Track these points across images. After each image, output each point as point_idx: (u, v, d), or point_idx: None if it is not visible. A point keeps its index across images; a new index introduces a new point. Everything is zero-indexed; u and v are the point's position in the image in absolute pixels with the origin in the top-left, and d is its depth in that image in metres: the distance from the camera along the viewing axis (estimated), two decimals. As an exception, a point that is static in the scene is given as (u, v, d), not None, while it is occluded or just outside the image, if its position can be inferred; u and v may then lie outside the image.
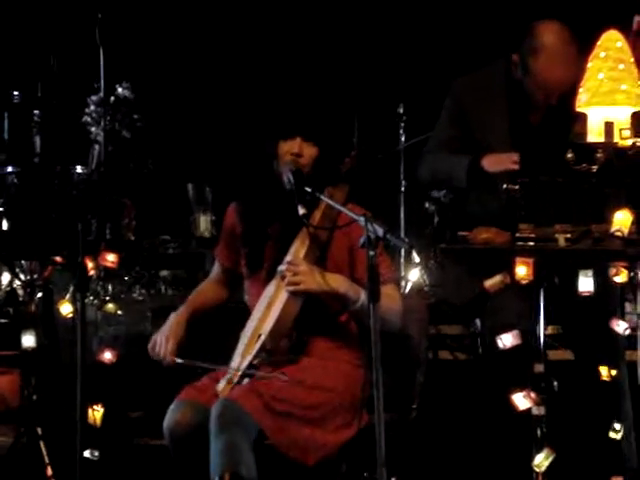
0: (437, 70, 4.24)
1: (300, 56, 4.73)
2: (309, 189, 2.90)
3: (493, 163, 3.30)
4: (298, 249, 2.97)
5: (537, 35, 3.35)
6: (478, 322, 3.52)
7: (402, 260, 4.32)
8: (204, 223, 4.56)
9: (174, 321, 3.03)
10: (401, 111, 4.36)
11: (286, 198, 3.01)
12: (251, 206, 3.10)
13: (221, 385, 2.89)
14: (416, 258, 4.26)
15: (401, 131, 4.40)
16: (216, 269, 3.21)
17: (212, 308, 3.16)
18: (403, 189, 4.54)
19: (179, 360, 2.94)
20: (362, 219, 2.69)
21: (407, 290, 4.24)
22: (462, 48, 4.54)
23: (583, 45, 3.21)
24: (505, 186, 3.06)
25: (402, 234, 4.36)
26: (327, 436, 2.87)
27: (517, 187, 2.97)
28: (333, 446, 2.87)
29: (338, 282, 2.92)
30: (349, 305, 2.92)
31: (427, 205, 4.46)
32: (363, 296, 2.83)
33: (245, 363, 2.90)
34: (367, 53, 4.65)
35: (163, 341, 2.97)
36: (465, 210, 3.54)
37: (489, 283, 3.03)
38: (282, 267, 2.93)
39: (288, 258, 2.95)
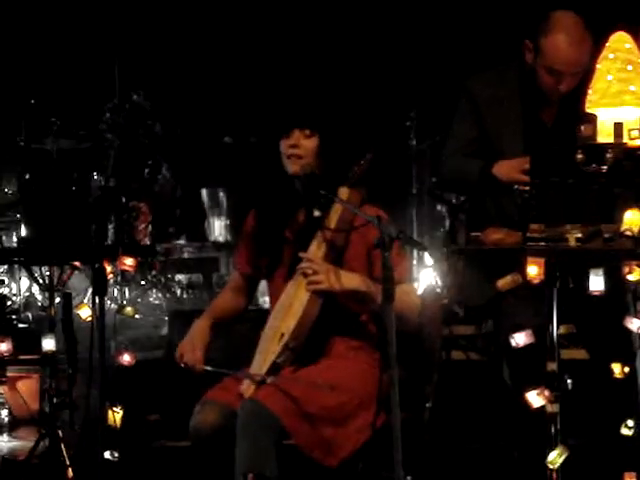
0: (448, 75, 4.26)
1: (299, 54, 4.73)
2: (323, 192, 2.94)
3: (504, 171, 3.32)
4: (316, 250, 3.00)
5: (551, 17, 3.38)
6: (490, 322, 3.55)
7: (415, 262, 4.34)
8: (218, 227, 4.60)
9: (198, 329, 3.06)
10: (412, 115, 4.40)
11: (300, 199, 3.04)
12: (267, 208, 3.13)
13: (245, 385, 2.92)
14: (429, 260, 4.29)
15: (412, 135, 4.44)
16: (235, 277, 3.24)
17: (232, 317, 3.20)
18: (415, 192, 4.57)
19: (208, 368, 2.98)
20: (375, 220, 2.73)
21: (420, 291, 4.26)
22: (472, 52, 4.57)
23: (593, 46, 3.25)
24: (516, 187, 3.09)
25: (414, 236, 4.39)
26: (349, 436, 2.89)
27: (528, 188, 2.99)
28: (355, 446, 2.89)
29: (357, 281, 2.95)
30: (369, 304, 2.95)
31: (439, 207, 4.48)
32: (378, 291, 2.85)
33: (268, 363, 2.93)
34: (379, 58, 4.68)
35: (190, 349, 3.00)
36: (477, 211, 3.57)
37: (501, 283, 3.05)
38: (303, 265, 2.96)
39: (306, 259, 2.98)
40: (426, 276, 4.29)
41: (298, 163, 3.00)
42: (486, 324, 3.60)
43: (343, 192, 2.97)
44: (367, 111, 4.66)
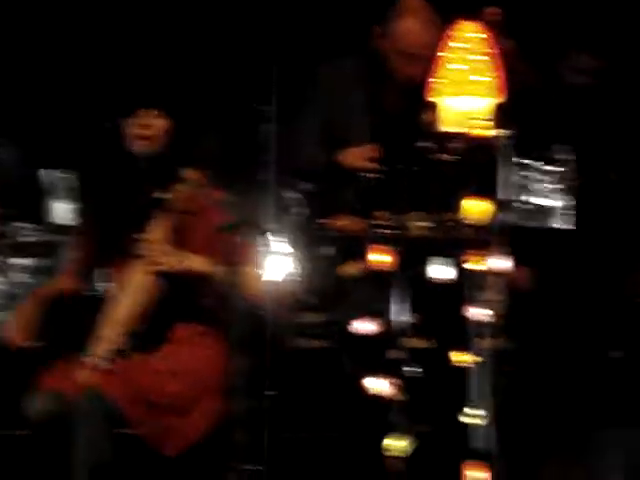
0: (303, 60, 4.27)
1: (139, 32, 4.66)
2: (166, 172, 2.91)
3: (350, 159, 3.36)
4: (156, 232, 2.97)
5: (400, 2, 3.46)
6: (337, 310, 3.57)
7: (263, 249, 4.32)
8: (61, 210, 4.48)
9: (22, 307, 3.03)
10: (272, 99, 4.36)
11: (140, 180, 2.99)
12: (104, 190, 3.07)
13: (84, 373, 2.86)
14: (277, 247, 4.28)
15: (264, 120, 4.40)
16: (69, 260, 3.18)
17: (65, 298, 3.13)
18: (265, 178, 4.53)
19: (29, 344, 2.90)
20: (224, 204, 2.72)
21: (268, 279, 4.25)
22: (327, 38, 4.59)
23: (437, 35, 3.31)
24: (362, 175, 3.11)
25: (263, 223, 4.38)
26: (191, 425, 2.87)
27: (373, 176, 3.02)
28: (195, 435, 2.87)
29: (198, 262, 2.95)
30: (211, 285, 2.94)
31: (290, 195, 4.47)
32: (223, 274, 2.86)
33: (106, 348, 2.88)
34: (234, 41, 4.66)
35: (13, 326, 2.95)
36: (326, 199, 3.58)
37: (344, 270, 3.08)
38: (141, 249, 2.92)
39: (146, 240, 2.94)
40: (274, 263, 4.28)
41: (146, 144, 2.96)
42: (331, 311, 3.62)
43: (187, 173, 2.95)
44: (219, 93, 4.63)
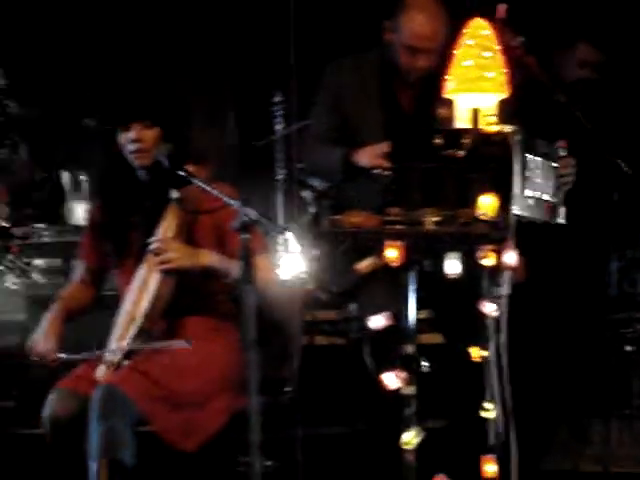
0: (314, 58, 4.28)
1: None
2: (182, 172, 2.91)
3: (364, 157, 3.37)
4: (165, 230, 2.98)
5: None
6: (352, 306, 3.58)
7: (278, 247, 4.33)
8: (80, 211, 4.52)
9: (50, 319, 3.02)
10: (278, 99, 4.38)
11: (143, 184, 3.01)
12: (111, 197, 3.09)
13: (100, 370, 2.88)
14: (293, 245, 4.28)
15: (278, 119, 4.42)
16: (80, 270, 3.19)
17: (82, 310, 3.16)
18: (280, 177, 4.56)
19: (61, 355, 2.94)
20: (236, 202, 2.72)
21: (283, 277, 4.27)
22: (338, 36, 4.60)
23: (449, 27, 3.34)
24: (376, 172, 3.12)
25: (279, 222, 4.39)
26: (207, 420, 2.88)
27: (387, 172, 3.03)
28: (211, 430, 2.88)
29: (209, 257, 2.95)
30: (223, 280, 2.95)
31: (304, 193, 4.49)
32: (235, 270, 2.85)
33: (123, 347, 2.90)
34: (241, 39, 4.68)
35: (42, 340, 2.95)
36: (340, 197, 3.60)
37: (360, 266, 3.09)
38: (152, 247, 2.93)
39: (157, 238, 2.95)
40: (289, 261, 4.29)
41: (144, 156, 2.97)
42: (348, 308, 3.64)
43: (191, 170, 2.95)
44: (229, 93, 4.66)
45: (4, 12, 4.40)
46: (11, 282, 4.14)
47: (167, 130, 2.99)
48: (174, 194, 2.97)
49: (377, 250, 3.02)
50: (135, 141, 2.96)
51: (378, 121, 3.48)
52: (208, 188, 2.87)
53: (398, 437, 3.00)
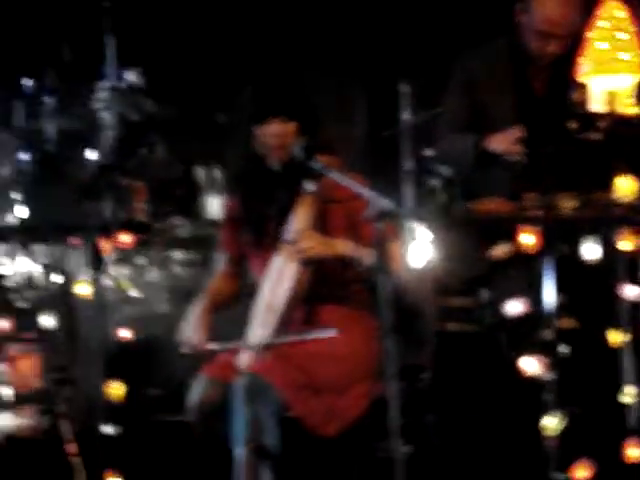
0: (440, 47, 4.27)
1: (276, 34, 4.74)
2: (317, 164, 2.95)
3: (497, 143, 3.35)
4: (300, 220, 3.02)
5: None
6: (485, 293, 3.58)
7: (408, 235, 4.34)
8: (215, 205, 4.61)
9: (198, 311, 3.09)
10: (406, 89, 4.38)
11: (276, 176, 3.06)
12: (245, 191, 3.15)
13: (242, 358, 2.94)
14: (423, 232, 4.29)
15: (406, 108, 4.42)
16: (222, 261, 3.26)
17: (228, 300, 3.23)
18: (408, 167, 4.55)
19: (210, 347, 3.01)
20: (370, 192, 2.74)
21: (414, 264, 4.28)
22: (465, 24, 4.57)
23: (584, 11, 3.28)
24: (509, 157, 3.11)
25: (410, 208, 4.40)
26: (347, 406, 2.92)
27: (521, 158, 3.01)
28: (352, 416, 2.92)
29: (344, 246, 2.98)
30: (358, 268, 2.98)
31: (432, 182, 4.48)
32: (369, 258, 2.88)
33: (263, 335, 2.96)
34: (369, 30, 4.68)
35: (192, 331, 3.04)
36: (471, 184, 3.59)
37: (495, 252, 3.08)
38: (288, 236, 2.98)
39: (292, 228, 3.00)
40: (420, 249, 4.29)
41: (283, 151, 3.01)
42: (480, 295, 3.63)
43: (322, 160, 2.98)
44: (357, 83, 4.68)
45: (140, 13, 4.53)
46: (153, 275, 4.30)
47: (304, 123, 3.03)
48: (309, 186, 3.01)
49: (512, 236, 3.02)
50: (276, 136, 3.02)
51: (510, 106, 3.45)
52: (342, 179, 2.90)
53: (536, 423, 2.99)
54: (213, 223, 4.58)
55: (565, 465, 3.03)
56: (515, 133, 3.21)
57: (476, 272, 3.45)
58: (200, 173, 4.62)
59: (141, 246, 4.22)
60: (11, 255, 4.05)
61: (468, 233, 3.37)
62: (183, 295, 3.95)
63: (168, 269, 4.32)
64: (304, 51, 4.63)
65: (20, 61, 4.37)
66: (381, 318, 2.61)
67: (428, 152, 3.77)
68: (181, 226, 4.47)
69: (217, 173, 4.65)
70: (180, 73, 4.66)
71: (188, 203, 4.51)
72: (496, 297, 3.36)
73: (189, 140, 4.56)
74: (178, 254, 4.45)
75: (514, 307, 3.11)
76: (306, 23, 4.67)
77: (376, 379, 2.92)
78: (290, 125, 3.02)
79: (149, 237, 4.14)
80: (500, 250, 3.09)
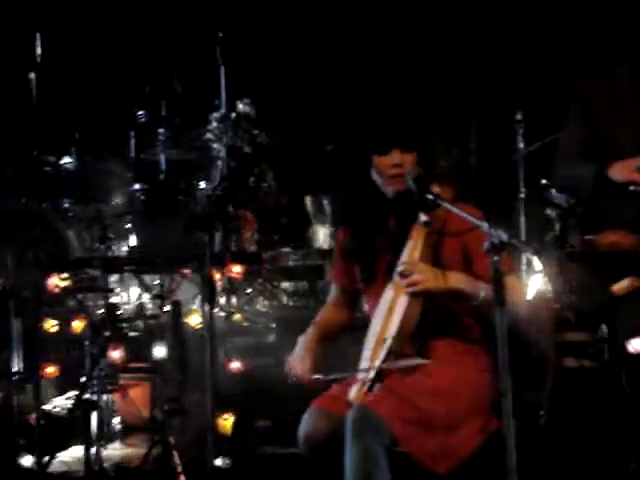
0: (554, 76, 4.20)
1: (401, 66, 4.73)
2: (431, 196, 2.91)
3: (618, 172, 3.25)
4: (412, 252, 2.98)
5: None
6: (604, 328, 3.47)
7: (524, 267, 4.28)
8: (323, 235, 4.62)
9: (305, 343, 3.09)
10: (519, 117, 4.33)
11: (390, 207, 3.03)
12: (358, 220, 3.13)
13: (353, 392, 2.92)
14: (539, 264, 4.21)
15: (519, 137, 4.37)
16: (334, 292, 3.25)
17: (338, 331, 3.22)
18: (523, 195, 4.49)
19: (317, 376, 3.00)
20: (485, 224, 2.68)
21: (530, 297, 4.19)
22: (579, 51, 4.50)
23: None
24: (632, 188, 3.01)
25: (526, 240, 4.33)
26: (459, 443, 2.86)
27: (642, 188, 2.92)
28: (465, 453, 2.86)
29: (456, 279, 2.93)
30: (471, 302, 2.92)
31: (548, 211, 4.40)
32: (484, 292, 2.82)
33: (374, 368, 2.92)
34: (483, 60, 4.65)
35: (298, 362, 3.04)
36: (591, 214, 3.49)
37: (617, 288, 2.99)
38: (400, 268, 2.95)
39: (404, 260, 2.96)
40: (536, 281, 4.22)
41: (402, 181, 2.99)
42: (600, 330, 3.52)
43: (435, 190, 2.93)
44: (473, 114, 4.64)
45: (250, 44, 4.59)
46: (261, 305, 4.31)
47: (422, 154, 3.01)
48: (423, 217, 2.97)
49: (635, 270, 2.92)
50: (396, 166, 3.00)
51: (635, 128, 3.34)
52: (457, 211, 2.84)
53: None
54: (320, 252, 4.60)
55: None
56: (638, 162, 3.11)
57: (596, 306, 3.34)
58: (308, 203, 4.64)
59: (250, 275, 4.26)
60: (124, 285, 4.12)
61: (589, 265, 3.27)
62: (290, 325, 3.95)
63: (276, 299, 4.35)
64: (417, 82, 4.62)
65: (134, 93, 4.46)
66: (497, 353, 2.54)
67: (544, 181, 3.70)
68: (289, 255, 4.48)
69: (325, 203, 4.67)
70: (290, 103, 4.70)
71: (296, 233, 4.53)
72: (618, 333, 3.24)
73: (298, 170, 4.59)
74: (286, 284, 4.47)
75: (637, 344, 3.00)
76: (420, 54, 4.67)
77: (490, 415, 2.84)
78: (409, 155, 3.00)
79: (258, 267, 4.16)
80: (623, 285, 2.98)
